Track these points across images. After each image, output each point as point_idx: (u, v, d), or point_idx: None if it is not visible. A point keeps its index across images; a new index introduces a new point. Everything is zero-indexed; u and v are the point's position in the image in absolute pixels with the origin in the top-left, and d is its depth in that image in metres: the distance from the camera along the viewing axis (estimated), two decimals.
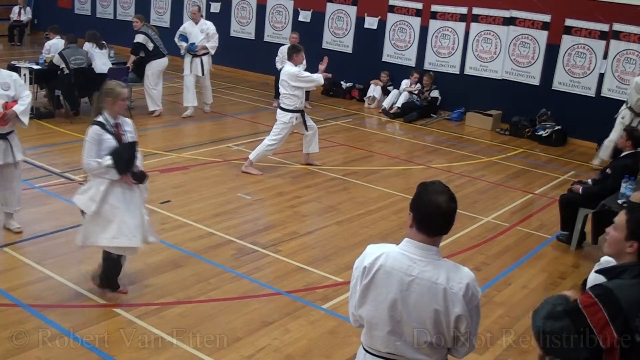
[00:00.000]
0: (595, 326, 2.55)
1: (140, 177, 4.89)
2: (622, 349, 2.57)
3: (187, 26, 10.99)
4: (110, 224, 4.70)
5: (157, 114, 10.86)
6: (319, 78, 8.21)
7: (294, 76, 8.02)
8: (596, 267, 3.34)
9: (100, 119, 4.75)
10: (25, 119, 5.73)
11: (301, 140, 9.17)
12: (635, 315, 2.56)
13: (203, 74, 10.95)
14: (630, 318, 2.55)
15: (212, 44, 10.95)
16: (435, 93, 12.37)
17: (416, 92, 12.27)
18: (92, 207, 4.73)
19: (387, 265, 2.65)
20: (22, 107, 5.68)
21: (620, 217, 2.75)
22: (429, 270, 2.60)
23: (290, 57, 8.18)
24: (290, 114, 8.16)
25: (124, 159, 4.74)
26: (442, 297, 2.57)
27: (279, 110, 8.30)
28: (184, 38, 10.86)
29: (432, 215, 2.59)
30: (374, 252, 2.72)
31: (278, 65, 12.30)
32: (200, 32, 10.82)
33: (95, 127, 4.72)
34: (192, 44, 10.77)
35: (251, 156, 8.24)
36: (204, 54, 10.92)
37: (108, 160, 4.67)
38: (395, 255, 2.66)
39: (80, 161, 4.85)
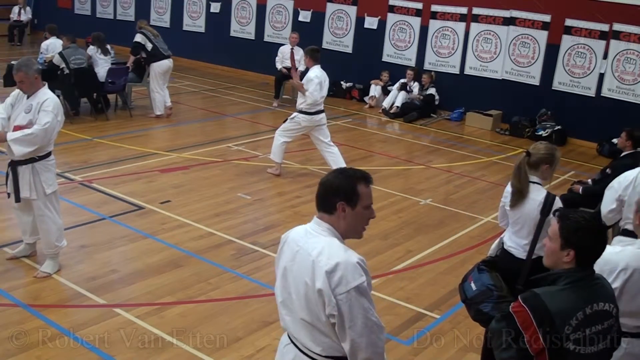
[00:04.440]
0: (523, 330, 2.55)
1: None
2: (551, 355, 2.54)
3: None
4: None
5: (165, 115, 10.79)
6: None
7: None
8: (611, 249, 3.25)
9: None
10: (17, 148, 4.95)
11: (300, 142, 9.18)
12: (565, 322, 2.52)
13: None
14: (559, 324, 2.51)
15: None
16: (431, 90, 12.33)
17: (410, 90, 12.26)
18: None
19: (289, 237, 2.72)
20: (16, 134, 4.93)
21: (553, 227, 2.68)
22: (311, 242, 2.58)
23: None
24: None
25: None
26: (310, 269, 2.52)
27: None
28: None
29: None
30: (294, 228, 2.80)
31: (278, 65, 12.33)
32: None
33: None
34: None
35: (334, 165, 7.99)
36: None
37: None
38: (298, 228, 2.72)
39: None
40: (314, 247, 2.55)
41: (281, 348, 2.80)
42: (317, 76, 7.87)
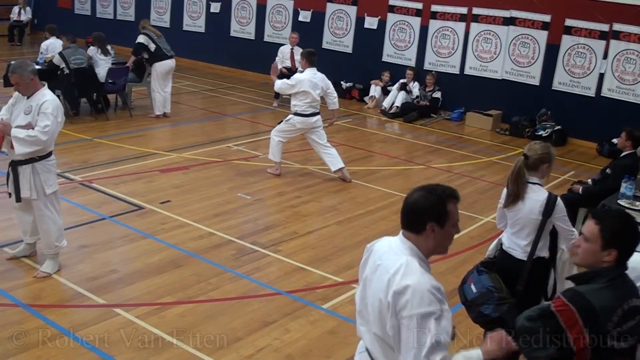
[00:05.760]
0: (568, 328, 2.56)
1: None
2: (593, 351, 2.56)
3: None
4: None
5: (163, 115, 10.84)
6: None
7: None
8: None
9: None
10: (18, 147, 4.95)
11: (299, 142, 9.18)
12: (608, 319, 2.55)
13: None
14: (602, 321, 2.54)
15: None
16: (437, 94, 12.35)
17: (409, 90, 12.26)
18: None
19: (374, 248, 2.71)
20: (21, 133, 4.93)
21: (591, 228, 2.69)
22: (392, 259, 2.54)
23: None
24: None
25: None
26: (385, 286, 2.48)
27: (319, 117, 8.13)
28: None
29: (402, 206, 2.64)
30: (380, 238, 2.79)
31: (278, 65, 12.32)
32: None
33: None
34: None
35: (334, 168, 8.13)
36: None
37: None
38: (384, 241, 2.70)
39: None
40: (392, 264, 2.50)
41: (357, 353, 2.80)
42: (298, 79, 7.92)
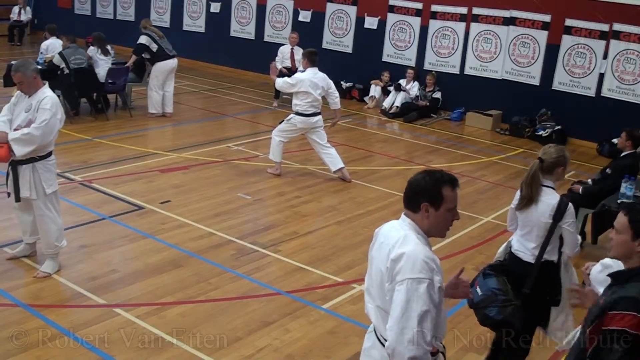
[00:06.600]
0: None
1: None
2: None
3: None
4: None
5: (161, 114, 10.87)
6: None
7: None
8: (597, 268, 3.32)
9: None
10: (17, 148, 4.95)
11: (299, 142, 9.18)
12: None
13: None
14: None
15: None
16: (437, 94, 12.35)
17: (403, 90, 12.27)
18: None
19: (381, 230, 2.85)
20: (16, 134, 4.94)
21: (621, 220, 2.72)
22: (393, 235, 2.69)
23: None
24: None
25: None
26: (386, 257, 2.62)
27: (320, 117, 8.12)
28: None
29: None
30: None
31: (278, 65, 12.31)
32: None
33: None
34: None
35: (334, 168, 8.12)
36: None
37: None
38: (389, 222, 2.85)
39: None
40: (393, 238, 2.66)
41: (367, 333, 2.91)
42: (298, 79, 7.93)
